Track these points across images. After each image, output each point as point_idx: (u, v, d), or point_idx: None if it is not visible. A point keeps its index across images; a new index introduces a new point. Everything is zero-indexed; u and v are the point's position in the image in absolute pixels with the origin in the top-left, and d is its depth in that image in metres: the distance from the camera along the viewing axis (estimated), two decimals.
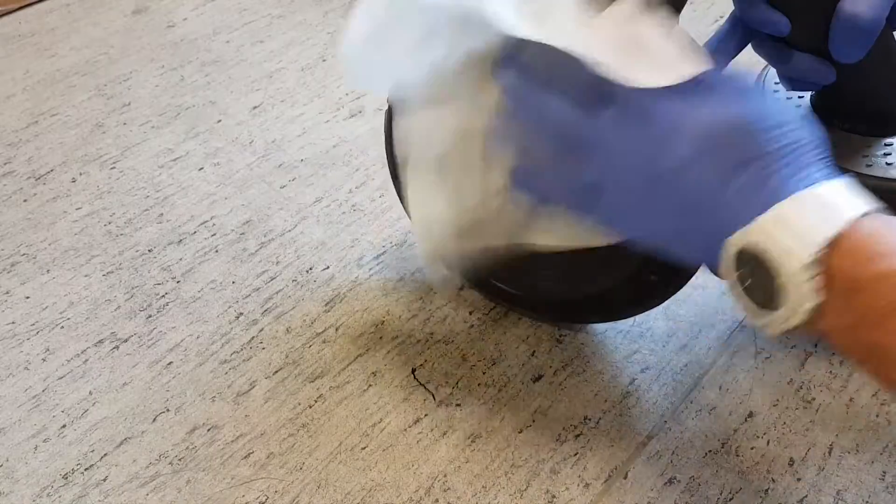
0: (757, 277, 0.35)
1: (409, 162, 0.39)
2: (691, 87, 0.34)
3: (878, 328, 0.33)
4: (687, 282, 0.54)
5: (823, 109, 0.53)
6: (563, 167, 0.35)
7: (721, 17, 0.97)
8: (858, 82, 0.49)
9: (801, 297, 0.34)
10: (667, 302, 0.64)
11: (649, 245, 0.37)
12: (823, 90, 0.49)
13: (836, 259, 0.34)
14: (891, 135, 0.51)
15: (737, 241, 0.36)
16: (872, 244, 0.34)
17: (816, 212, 0.35)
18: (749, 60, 0.50)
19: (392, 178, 0.61)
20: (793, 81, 0.49)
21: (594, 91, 0.33)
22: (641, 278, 0.52)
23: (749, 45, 0.51)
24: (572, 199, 0.37)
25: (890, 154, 0.50)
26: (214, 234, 0.75)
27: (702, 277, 0.66)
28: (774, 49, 0.48)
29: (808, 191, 0.35)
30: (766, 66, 0.56)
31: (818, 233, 0.34)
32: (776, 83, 0.56)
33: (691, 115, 0.34)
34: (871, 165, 0.50)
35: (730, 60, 0.50)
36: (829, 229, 0.34)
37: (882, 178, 0.49)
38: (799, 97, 0.54)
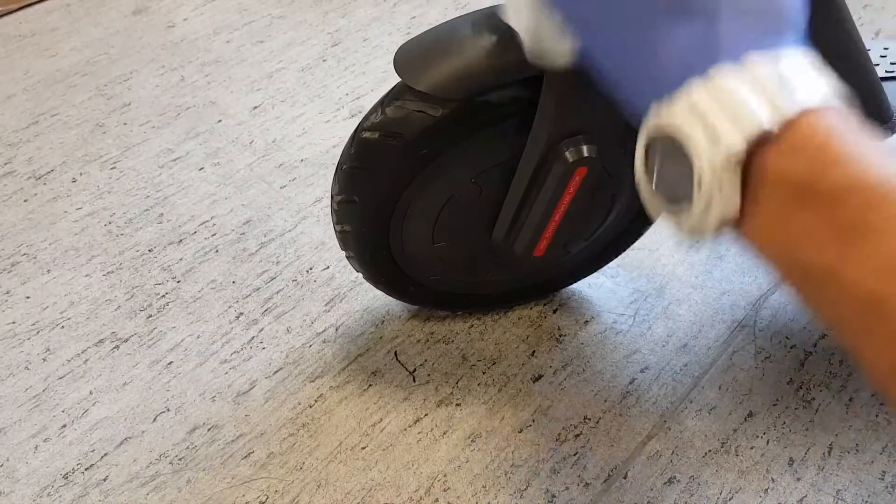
0: (675, 160, 0.30)
1: None
2: None
3: (831, 249, 0.26)
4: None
5: None
6: None
7: None
8: None
9: (721, 193, 0.28)
10: (666, 302, 0.64)
11: (606, 77, 0.34)
12: None
13: (776, 153, 0.27)
14: None
15: (656, 121, 0.30)
16: (833, 143, 0.27)
17: (761, 87, 0.28)
18: None
19: None
20: None
21: None
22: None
23: None
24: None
25: None
26: (214, 234, 0.75)
27: (701, 277, 0.67)
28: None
29: (756, 58, 0.28)
30: None
31: (757, 117, 0.27)
32: None
33: None
34: None
35: None
36: (775, 114, 0.27)
37: None
38: None
